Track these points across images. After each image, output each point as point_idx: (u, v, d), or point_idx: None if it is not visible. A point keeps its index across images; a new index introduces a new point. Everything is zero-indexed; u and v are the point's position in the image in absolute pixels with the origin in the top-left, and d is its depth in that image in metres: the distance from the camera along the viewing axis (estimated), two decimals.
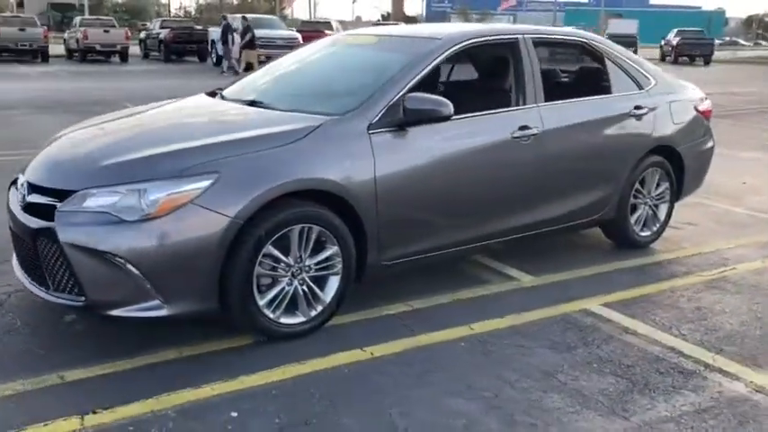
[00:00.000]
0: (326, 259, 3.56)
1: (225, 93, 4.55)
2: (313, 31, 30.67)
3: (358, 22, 74.57)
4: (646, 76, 5.07)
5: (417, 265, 4.04)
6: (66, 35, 30.52)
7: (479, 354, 3.45)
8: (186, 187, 3.15)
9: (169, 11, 71.25)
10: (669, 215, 5.30)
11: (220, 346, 3.44)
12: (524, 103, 4.33)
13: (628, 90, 4.92)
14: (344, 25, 39.18)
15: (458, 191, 3.98)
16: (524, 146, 4.21)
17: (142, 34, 33.05)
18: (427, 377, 3.19)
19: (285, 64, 4.87)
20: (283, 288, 3.45)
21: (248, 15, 26.71)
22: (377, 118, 3.68)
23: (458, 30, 4.50)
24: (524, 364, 3.34)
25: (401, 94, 3.75)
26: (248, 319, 3.37)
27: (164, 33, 28.95)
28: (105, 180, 3.24)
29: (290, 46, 24.19)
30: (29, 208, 3.40)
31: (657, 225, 5.22)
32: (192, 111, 4.27)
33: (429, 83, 4.21)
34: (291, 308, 3.51)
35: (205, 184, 3.17)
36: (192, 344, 3.43)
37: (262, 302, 3.37)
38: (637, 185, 4.98)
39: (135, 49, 31.32)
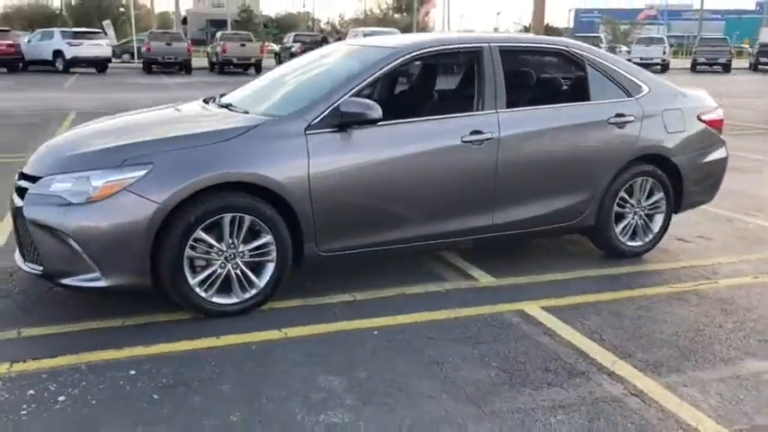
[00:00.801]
0: (261, 246, 3.91)
1: (222, 98, 5.01)
2: None
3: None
4: (637, 84, 5.02)
5: (360, 258, 4.30)
6: (209, 49, 32.96)
7: (383, 341, 3.67)
8: (123, 176, 3.63)
9: (311, 26, 74.42)
10: (665, 226, 5.18)
11: (163, 318, 3.87)
12: (482, 109, 4.47)
13: (611, 98, 4.89)
14: None
15: (399, 191, 4.20)
16: (476, 150, 4.35)
17: (278, 47, 34.98)
18: (318, 357, 3.46)
19: (279, 71, 5.29)
20: (215, 270, 3.84)
21: (377, 28, 27.62)
22: (316, 120, 4.00)
23: (413, 40, 4.70)
24: (418, 353, 3.53)
25: (342, 99, 4.04)
26: (181, 296, 3.79)
27: (296, 47, 30.54)
28: (64, 168, 3.79)
29: None
30: (17, 191, 4.02)
31: (650, 236, 5.13)
32: (169, 113, 4.77)
33: (385, 89, 4.46)
34: (226, 289, 3.90)
35: (140, 173, 3.63)
36: (139, 315, 3.90)
37: (193, 282, 3.79)
38: (622, 194, 4.93)
39: (271, 62, 33.18)
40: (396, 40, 4.89)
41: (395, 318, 3.96)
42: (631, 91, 4.98)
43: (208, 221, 3.75)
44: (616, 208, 4.95)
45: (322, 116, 4.01)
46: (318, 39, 32.69)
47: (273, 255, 3.95)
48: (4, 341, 3.61)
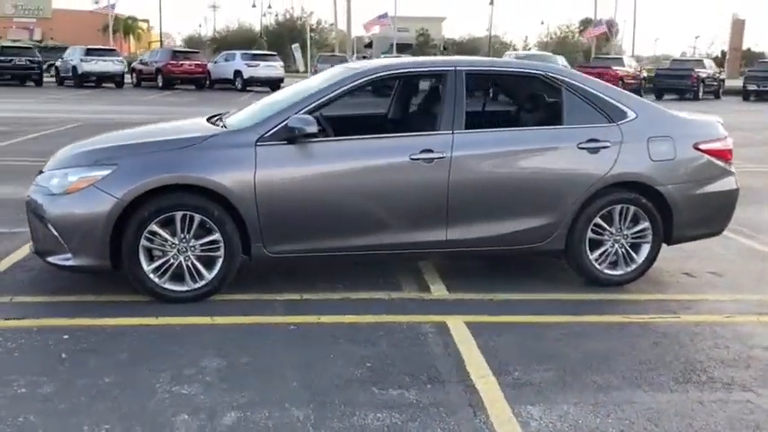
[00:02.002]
0: (210, 243, 4.44)
1: (228, 115, 5.60)
2: (600, 67, 30.33)
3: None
4: (621, 110, 4.95)
5: (309, 261, 4.70)
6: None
7: (295, 335, 4.04)
8: (92, 173, 4.32)
9: (490, 50, 74.56)
10: (652, 257, 5.03)
11: (128, 298, 4.50)
12: (437, 130, 4.69)
13: (588, 123, 4.88)
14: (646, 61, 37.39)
15: (345, 202, 4.54)
16: (426, 168, 4.58)
17: None
18: (224, 341, 3.90)
19: (284, 89, 5.81)
20: (168, 260, 4.42)
21: (535, 52, 27.55)
22: (268, 133, 4.47)
23: (380, 63, 5.00)
24: (310, 348, 3.86)
25: (292, 115, 4.47)
26: (137, 280, 4.40)
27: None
28: (59, 165, 4.57)
29: None
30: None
31: (633, 265, 5.01)
32: (167, 125, 5.43)
33: (349, 107, 4.84)
34: (180, 278, 4.46)
35: (105, 172, 4.31)
36: (112, 294, 4.56)
37: (147, 268, 4.39)
38: (598, 220, 4.89)
39: None
40: (371, 62, 5.22)
41: (319, 317, 4.30)
42: (613, 117, 4.92)
43: (161, 217, 4.33)
44: (591, 234, 4.90)
45: (274, 130, 4.47)
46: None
47: (222, 251, 4.45)
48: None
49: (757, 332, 4.29)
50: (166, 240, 4.39)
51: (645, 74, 34.04)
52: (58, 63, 33.26)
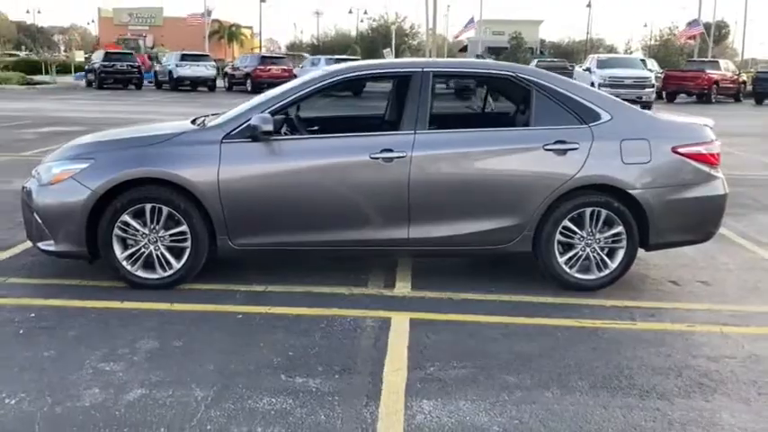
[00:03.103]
0: (178, 234, 4.71)
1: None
2: (693, 71, 29.11)
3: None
4: (594, 112, 4.87)
5: (275, 255, 4.90)
6: None
7: (238, 324, 4.24)
8: (72, 166, 4.69)
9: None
10: (626, 262, 4.91)
11: (107, 284, 4.83)
12: (399, 130, 4.78)
13: (557, 124, 4.83)
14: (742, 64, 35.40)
15: (306, 198, 4.70)
16: (385, 167, 4.68)
17: None
18: (165, 325, 4.15)
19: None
20: (140, 249, 4.73)
21: (620, 56, 26.84)
22: (235, 131, 4.70)
23: (350, 65, 5.11)
24: (241, 335, 4.04)
25: (255, 114, 4.68)
26: (111, 267, 4.73)
27: None
28: (51, 158, 4.97)
29: (640, 86, 23.75)
30: None
31: (606, 270, 4.91)
32: (154, 125, 5.72)
33: (318, 107, 5.00)
34: (151, 266, 4.76)
35: (83, 165, 4.66)
36: (95, 279, 4.90)
37: (121, 256, 4.71)
38: (566, 223, 4.83)
39: None
40: (343, 64, 5.36)
41: (270, 308, 4.47)
42: (585, 118, 4.85)
43: (132, 208, 4.64)
44: (560, 237, 4.85)
45: (240, 128, 4.69)
46: None
47: (189, 242, 4.71)
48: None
49: (712, 343, 4.12)
50: (138, 230, 4.68)
51: (744, 78, 32.30)
52: (157, 68, 35.11)
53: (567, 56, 67.72)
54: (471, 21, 45.27)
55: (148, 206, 4.64)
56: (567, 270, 4.88)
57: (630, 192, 4.77)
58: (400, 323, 4.27)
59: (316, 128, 5.84)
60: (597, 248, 4.87)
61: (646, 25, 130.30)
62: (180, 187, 4.61)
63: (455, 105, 4.89)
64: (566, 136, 4.77)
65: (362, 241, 4.79)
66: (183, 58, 31.96)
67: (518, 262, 5.36)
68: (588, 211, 4.81)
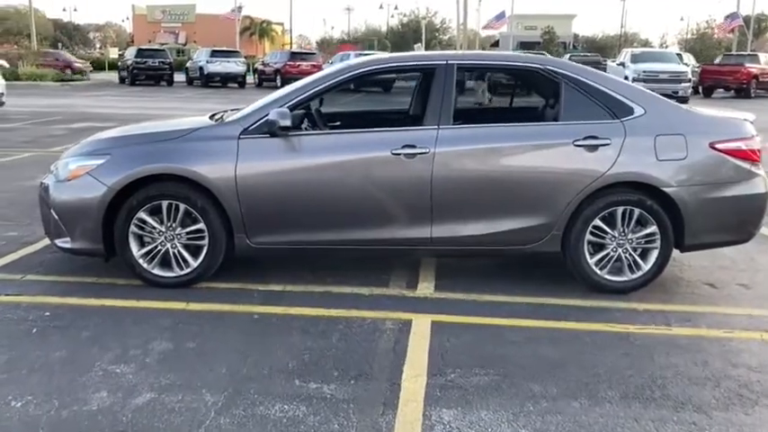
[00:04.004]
0: (194, 232, 4.61)
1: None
2: (731, 65, 28.41)
3: None
4: (627, 106, 4.64)
5: (293, 254, 4.77)
6: None
7: (253, 324, 4.12)
8: (88, 162, 4.60)
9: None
10: (660, 263, 4.68)
11: (122, 282, 4.74)
12: (422, 125, 4.61)
13: (588, 119, 4.62)
14: None
15: (326, 195, 4.55)
16: (407, 163, 4.51)
17: None
18: (180, 325, 4.04)
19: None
20: (156, 247, 4.63)
21: (637, 49, 26.40)
22: (253, 126, 4.57)
23: (369, 59, 4.95)
24: (255, 335, 3.92)
25: (275, 108, 4.55)
26: (128, 264, 4.64)
27: None
28: (68, 154, 4.89)
29: (675, 80, 23.22)
30: None
31: (639, 272, 4.69)
32: (173, 120, 5.63)
33: (338, 102, 4.84)
34: (168, 264, 4.66)
35: (100, 161, 4.58)
36: (113, 276, 4.82)
37: (137, 254, 4.61)
38: (598, 222, 4.62)
39: None
40: (363, 58, 5.19)
41: (287, 308, 4.34)
42: (617, 112, 4.62)
43: (148, 205, 4.54)
44: (590, 237, 4.64)
45: (258, 123, 4.57)
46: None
47: (206, 240, 4.60)
48: (6, 281, 4.78)
49: (752, 350, 3.89)
50: (154, 228, 4.59)
51: None
52: (188, 64, 35.32)
53: (600, 50, 66.67)
54: (502, 14, 44.69)
55: (165, 203, 4.54)
56: (598, 271, 4.67)
57: (665, 190, 4.54)
58: (421, 326, 4.10)
59: (337, 123, 5.71)
60: (629, 249, 4.65)
61: (682, 19, 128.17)
62: (197, 184, 4.50)
63: (479, 100, 4.68)
64: (597, 131, 4.56)
65: (383, 240, 4.63)
66: (214, 54, 32.08)
67: (545, 263, 5.15)
68: (620, 209, 4.59)
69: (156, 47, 36.64)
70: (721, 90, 28.92)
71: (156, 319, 4.15)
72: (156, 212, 4.57)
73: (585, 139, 4.54)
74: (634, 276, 4.69)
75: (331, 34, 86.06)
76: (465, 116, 4.66)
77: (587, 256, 4.66)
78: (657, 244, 4.63)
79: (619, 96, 4.66)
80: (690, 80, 24.62)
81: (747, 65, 28.37)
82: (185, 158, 4.51)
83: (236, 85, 32.57)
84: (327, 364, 3.58)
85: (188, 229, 4.59)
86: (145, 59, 32.16)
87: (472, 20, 54.34)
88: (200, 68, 32.23)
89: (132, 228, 4.56)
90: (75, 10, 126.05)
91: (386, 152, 4.51)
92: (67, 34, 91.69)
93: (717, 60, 31.56)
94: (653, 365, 3.65)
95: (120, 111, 18.81)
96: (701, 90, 28.69)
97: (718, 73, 28.56)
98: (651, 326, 4.19)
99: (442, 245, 4.66)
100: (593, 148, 4.53)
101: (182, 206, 4.53)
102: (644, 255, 4.67)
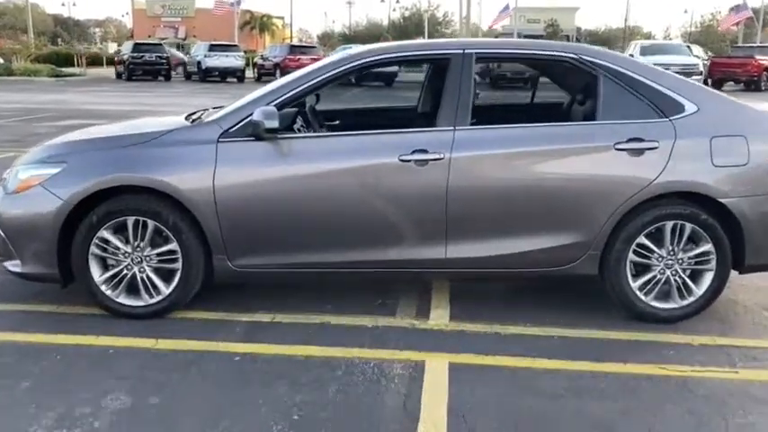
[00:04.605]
0: (167, 253, 3.89)
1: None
2: (740, 57, 27.64)
3: None
4: (677, 102, 3.92)
5: (283, 278, 4.04)
6: None
7: (220, 367, 3.40)
8: (41, 172, 3.89)
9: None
10: (715, 288, 3.97)
11: (85, 311, 4.03)
12: (436, 126, 3.89)
13: (630, 117, 3.89)
14: None
15: (322, 209, 3.84)
16: (418, 171, 3.80)
17: None
18: (144, 370, 3.33)
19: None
20: (121, 271, 3.91)
21: (646, 42, 25.67)
22: (234, 128, 3.85)
23: (371, 47, 4.22)
24: (232, 387, 3.20)
25: (260, 107, 3.83)
26: (89, 292, 3.93)
27: None
28: (21, 162, 4.17)
29: (686, 73, 22.41)
30: None
31: (691, 298, 3.98)
32: (148, 120, 4.91)
33: (336, 100, 4.13)
34: (136, 291, 3.95)
35: (54, 171, 3.86)
36: (73, 304, 4.11)
37: (99, 279, 3.90)
38: (642, 240, 3.91)
39: None
40: (364, 47, 4.46)
41: (275, 347, 3.63)
42: (666, 110, 3.90)
43: (111, 222, 3.83)
44: (633, 257, 3.93)
45: (240, 124, 3.85)
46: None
47: (180, 263, 3.89)
48: None
49: None
50: (119, 249, 3.88)
51: None
52: (186, 59, 34.58)
53: (604, 43, 65.64)
54: (506, 8, 43.83)
55: (131, 220, 3.83)
56: (642, 297, 3.96)
57: (723, 201, 3.83)
58: (437, 370, 3.39)
59: (336, 122, 5.00)
60: (679, 271, 3.94)
61: (686, 11, 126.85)
62: (168, 196, 3.78)
63: (501, 96, 3.96)
64: (642, 132, 3.84)
65: (390, 262, 3.92)
66: (212, 48, 31.35)
67: (579, 285, 4.43)
68: (669, 224, 3.88)
69: (154, 41, 35.79)
70: (731, 83, 28.11)
71: (117, 362, 3.44)
72: (120, 230, 3.86)
73: (629, 141, 3.81)
74: (684, 303, 3.97)
75: (332, 28, 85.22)
76: (486, 115, 3.94)
77: (629, 279, 3.95)
78: (712, 265, 3.92)
79: (667, 91, 3.94)
80: (701, 73, 23.84)
81: (758, 57, 27.54)
82: (154, 167, 3.80)
83: (234, 79, 31.82)
84: (322, 429, 2.86)
85: (159, 250, 3.87)
86: (142, 54, 31.41)
87: (474, 13, 53.44)
88: (198, 63, 31.50)
89: (93, 249, 3.85)
90: (74, 5, 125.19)
91: (393, 158, 3.79)
92: (68, 30, 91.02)
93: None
94: (726, 426, 2.93)
95: (113, 107, 18.09)
96: (710, 83, 27.86)
97: (727, 65, 27.75)
98: (712, 367, 3.48)
99: (459, 267, 3.95)
100: (638, 152, 3.81)
101: (150, 223, 3.82)
102: (696, 277, 3.96)
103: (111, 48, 50.28)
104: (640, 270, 3.97)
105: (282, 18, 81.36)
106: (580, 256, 3.92)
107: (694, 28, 69.85)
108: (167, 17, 77.06)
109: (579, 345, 3.72)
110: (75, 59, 41.02)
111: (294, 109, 4.38)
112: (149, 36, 59.52)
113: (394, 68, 25.64)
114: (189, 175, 3.79)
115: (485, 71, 15.55)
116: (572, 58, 4.02)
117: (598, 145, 3.85)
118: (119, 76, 33.15)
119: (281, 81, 4.16)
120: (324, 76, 3.96)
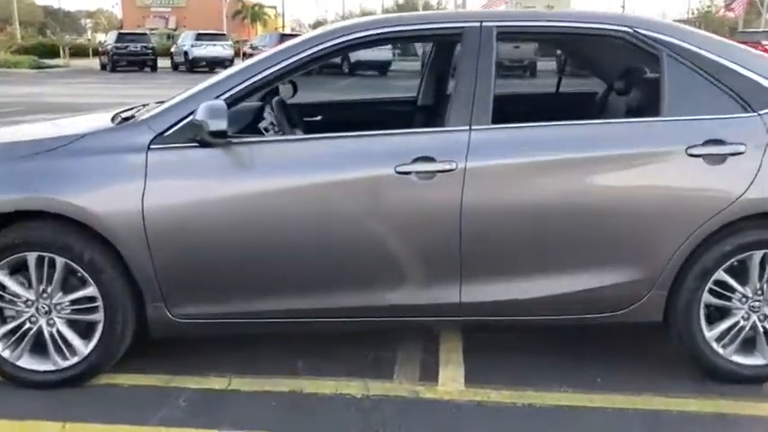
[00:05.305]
0: (83, 300, 2.89)
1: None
2: (749, 42, 26.59)
3: None
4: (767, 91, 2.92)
5: (244, 329, 3.03)
6: None
7: None
8: None
9: None
10: None
11: None
12: (445, 124, 2.88)
13: (708, 112, 2.88)
14: None
15: (291, 240, 2.84)
16: (423, 187, 2.79)
17: None
18: None
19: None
20: (23, 325, 2.91)
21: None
22: (171, 130, 2.84)
23: (357, 21, 3.17)
24: None
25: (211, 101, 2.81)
26: None
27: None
28: None
29: None
30: None
31: None
32: (65, 119, 3.89)
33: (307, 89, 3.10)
34: (43, 351, 2.94)
35: None
36: None
37: None
38: (721, 275, 2.91)
39: None
40: (348, 21, 3.42)
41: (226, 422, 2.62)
42: (754, 103, 2.89)
43: (5, 260, 2.83)
44: (709, 298, 2.94)
45: (178, 125, 2.83)
46: None
47: (101, 312, 2.88)
48: None
49: None
50: (18, 296, 2.86)
51: None
52: (173, 49, 33.46)
53: None
54: None
55: (32, 256, 2.82)
56: (719, 350, 2.99)
57: None
58: None
59: (318, 118, 4.00)
60: None
61: None
62: (81, 224, 2.76)
63: (530, 84, 2.94)
64: (723, 132, 2.84)
65: (386, 309, 2.93)
66: (199, 37, 30.18)
67: (631, 333, 3.43)
68: (758, 255, 2.90)
69: (138, 31, 34.60)
70: None
71: None
72: (20, 271, 2.85)
73: (706, 144, 2.81)
74: None
75: (325, 17, 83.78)
76: (510, 110, 2.92)
77: (704, 326, 2.96)
78: None
79: (756, 77, 2.92)
80: None
81: (764, 42, 26.48)
82: (59, 184, 2.79)
83: (223, 69, 30.56)
84: None
85: (72, 297, 2.87)
86: (126, 44, 30.25)
87: (470, 1, 52.07)
88: (185, 53, 30.35)
89: None
90: None
91: (387, 169, 2.78)
92: (57, 21, 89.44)
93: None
94: None
95: (91, 100, 17.01)
96: None
97: None
98: None
99: (478, 314, 2.96)
100: (719, 158, 2.81)
101: (59, 260, 2.82)
102: None
103: (100, 38, 48.85)
104: (718, 315, 2.98)
105: (275, 8, 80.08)
106: (639, 299, 2.93)
107: (690, 14, 68.57)
108: (157, 7, 75.74)
109: (642, 420, 2.73)
110: (61, 50, 39.79)
111: (258, 103, 3.37)
112: (139, 26, 58.30)
113: (385, 57, 24.61)
114: (108, 194, 2.78)
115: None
116: (624, 33, 2.98)
117: (664, 150, 2.85)
118: (103, 67, 32.03)
119: (237, 67, 3.12)
120: (294, 59, 2.94)
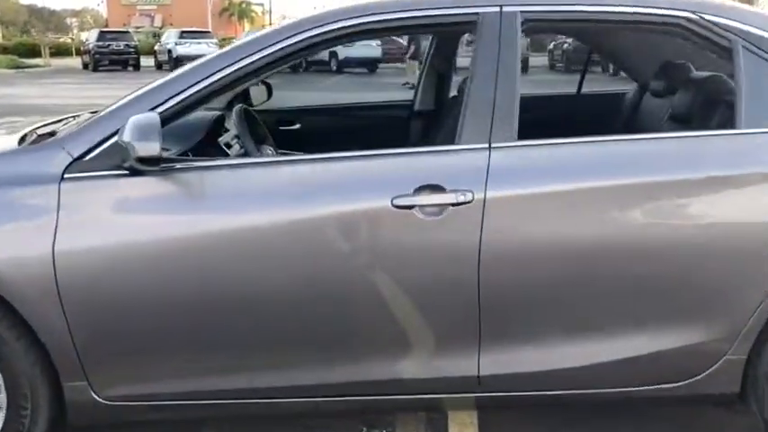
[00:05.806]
0: None
1: None
2: None
3: None
4: None
5: (189, 413, 2.32)
6: None
7: None
8: None
9: None
10: None
11: None
12: (455, 141, 2.18)
13: None
14: None
15: (251, 296, 2.14)
16: (428, 226, 2.09)
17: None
18: None
19: None
20: None
21: None
22: (91, 154, 2.14)
23: (343, 7, 2.42)
24: None
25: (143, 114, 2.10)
26: None
27: None
28: None
29: None
30: None
31: None
32: None
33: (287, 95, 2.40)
34: None
35: None
36: None
37: None
38: None
39: None
40: (333, 7, 2.69)
41: None
42: None
43: None
44: None
45: (102, 147, 2.12)
46: None
47: (3, 397, 2.16)
48: None
49: None
50: None
51: None
52: (156, 47, 32.75)
53: None
54: None
55: None
56: None
57: None
58: None
59: (296, 126, 3.31)
60: None
61: None
62: None
63: (564, 87, 2.25)
64: None
65: (382, 384, 2.25)
66: (183, 35, 29.43)
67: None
68: None
69: (120, 29, 33.82)
70: None
71: None
72: None
73: None
74: None
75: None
76: (540, 121, 2.24)
77: None
78: None
79: None
80: None
81: None
82: None
83: None
84: None
85: None
86: (108, 43, 29.48)
87: None
88: (169, 51, 29.58)
89: None
90: None
91: (382, 202, 2.09)
92: (42, 20, 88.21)
93: None
94: None
95: (67, 101, 16.19)
96: None
97: None
98: None
99: (501, 389, 2.27)
100: None
101: None
102: None
103: (84, 37, 48.03)
104: None
105: (262, 5, 79.33)
106: (709, 367, 2.25)
107: None
108: (143, 5, 74.81)
109: None
110: (42, 50, 38.90)
111: (215, 112, 2.67)
112: (124, 24, 57.45)
113: (374, 54, 23.76)
114: (7, 240, 2.07)
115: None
116: (688, 20, 2.28)
117: (740, 172, 2.16)
118: (85, 66, 31.29)
119: (181, 69, 2.40)
120: (256, 57, 2.22)
